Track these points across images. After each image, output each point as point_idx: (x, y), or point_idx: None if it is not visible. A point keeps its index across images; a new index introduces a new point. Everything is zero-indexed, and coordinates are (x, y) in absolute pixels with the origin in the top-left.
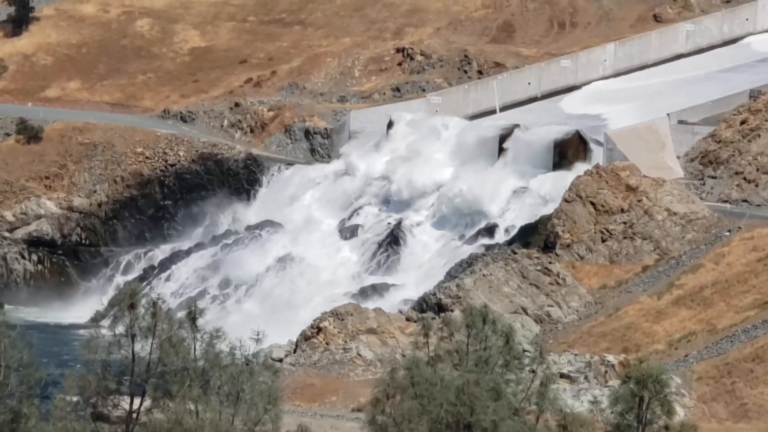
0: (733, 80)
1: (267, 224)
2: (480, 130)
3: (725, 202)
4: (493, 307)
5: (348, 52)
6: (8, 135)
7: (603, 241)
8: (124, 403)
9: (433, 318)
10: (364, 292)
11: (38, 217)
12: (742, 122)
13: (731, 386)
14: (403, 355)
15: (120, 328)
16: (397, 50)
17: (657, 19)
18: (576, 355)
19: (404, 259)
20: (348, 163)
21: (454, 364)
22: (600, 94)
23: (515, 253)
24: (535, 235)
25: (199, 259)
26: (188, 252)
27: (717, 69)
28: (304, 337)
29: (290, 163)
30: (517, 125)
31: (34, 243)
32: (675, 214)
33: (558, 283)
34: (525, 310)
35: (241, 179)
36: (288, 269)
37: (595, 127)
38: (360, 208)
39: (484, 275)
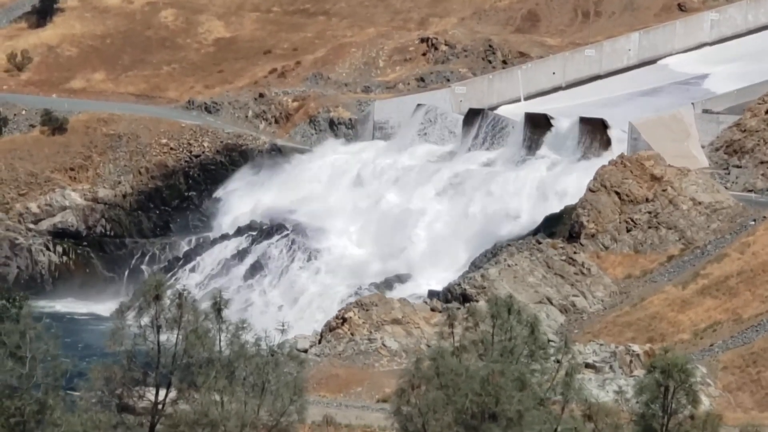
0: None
1: (292, 213)
2: None
3: (750, 191)
4: (518, 297)
5: (372, 42)
6: (33, 126)
7: (628, 230)
8: (150, 394)
9: (458, 308)
10: (389, 283)
11: (63, 208)
12: (767, 111)
13: (757, 375)
14: (428, 346)
15: (145, 320)
16: (422, 40)
17: (681, 8)
18: (601, 344)
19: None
20: None
21: (479, 354)
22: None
23: (540, 243)
24: (560, 225)
25: (224, 249)
26: (213, 243)
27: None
28: (329, 328)
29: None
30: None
31: (59, 235)
32: (700, 203)
33: (583, 273)
34: (550, 300)
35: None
36: (313, 259)
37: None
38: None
39: (509, 265)
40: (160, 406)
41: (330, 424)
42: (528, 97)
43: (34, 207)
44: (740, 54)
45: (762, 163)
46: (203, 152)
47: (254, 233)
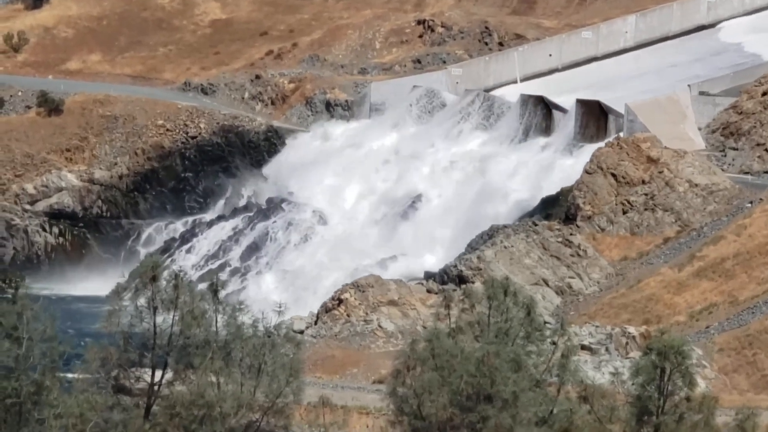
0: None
1: (288, 196)
2: None
3: (747, 173)
4: (514, 278)
5: (369, 24)
6: (29, 108)
7: (624, 212)
8: (146, 375)
9: (454, 290)
10: (385, 264)
11: (59, 189)
12: (764, 93)
13: (752, 357)
14: (424, 327)
15: (142, 301)
16: (418, 22)
17: None
18: (597, 326)
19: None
20: None
21: (475, 335)
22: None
23: (536, 225)
24: (556, 207)
25: (220, 231)
26: (209, 224)
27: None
28: (325, 309)
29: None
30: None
31: (56, 216)
32: (696, 185)
33: (579, 255)
34: (546, 282)
35: (261, 151)
36: (309, 240)
37: None
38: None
39: (505, 247)
40: (156, 388)
41: (326, 405)
42: (524, 79)
43: (30, 188)
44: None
45: (758, 145)
46: (199, 134)
47: (251, 214)
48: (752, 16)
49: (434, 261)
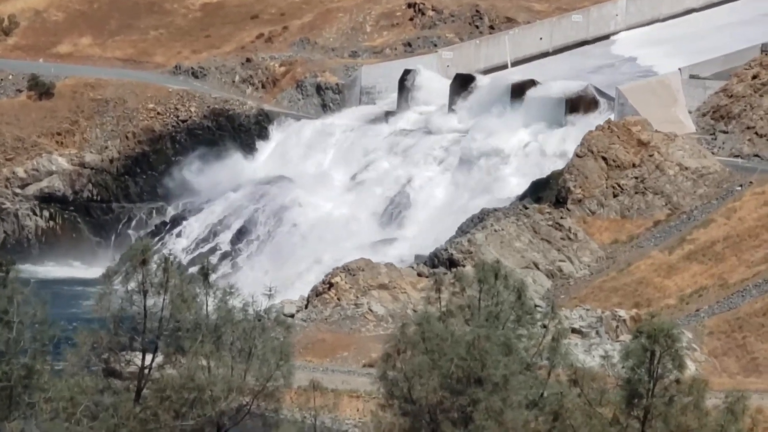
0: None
1: (278, 179)
2: None
3: (737, 156)
4: (505, 262)
5: (359, 7)
6: (20, 91)
7: (614, 196)
8: (137, 359)
9: (445, 273)
10: (376, 247)
11: (50, 173)
12: (754, 77)
13: (742, 341)
14: (415, 311)
15: (132, 284)
16: (409, 5)
17: None
18: (587, 310)
19: (415, 214)
20: None
21: (465, 319)
22: None
23: (527, 209)
24: (547, 190)
25: (210, 214)
26: (199, 208)
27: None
28: (316, 293)
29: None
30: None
31: (46, 199)
32: (686, 168)
33: (569, 238)
34: (536, 265)
35: (252, 135)
36: (299, 224)
37: None
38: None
39: (495, 230)
40: (146, 371)
41: (316, 389)
42: (515, 63)
43: (20, 172)
44: (729, 21)
45: (748, 128)
46: (190, 117)
47: (241, 198)
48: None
49: (425, 245)
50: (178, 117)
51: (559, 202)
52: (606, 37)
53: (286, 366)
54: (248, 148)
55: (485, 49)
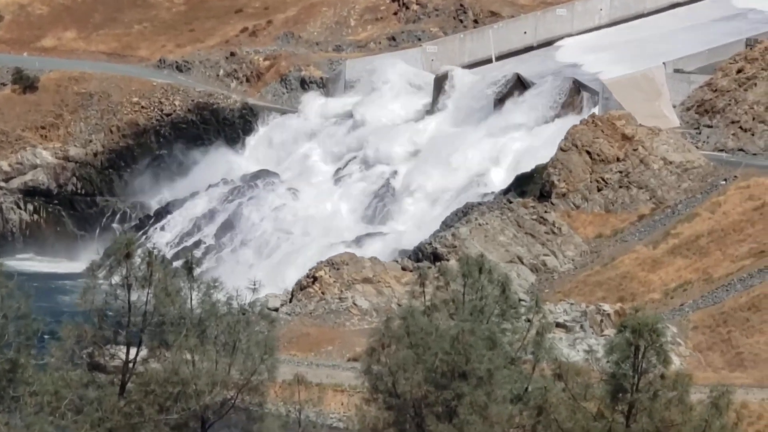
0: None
1: (263, 173)
2: None
3: (721, 151)
4: (489, 256)
5: (344, 1)
6: (4, 85)
7: (599, 190)
8: (121, 353)
9: (429, 267)
10: (360, 241)
11: (34, 166)
12: (739, 71)
13: (727, 335)
14: (399, 305)
15: (116, 278)
16: None
17: None
18: (572, 304)
19: (399, 208)
20: None
21: (450, 313)
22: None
23: (511, 203)
24: (531, 185)
25: (194, 208)
26: (183, 201)
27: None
28: (300, 287)
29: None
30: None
31: (30, 193)
32: (671, 163)
33: (554, 233)
34: (521, 260)
35: (236, 128)
36: (284, 218)
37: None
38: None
39: (480, 224)
40: (131, 365)
41: (301, 382)
42: (499, 57)
43: (5, 165)
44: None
45: (733, 122)
46: (174, 111)
47: (225, 191)
48: None
49: (410, 239)
50: (162, 111)
51: (544, 196)
52: (589, 31)
53: (271, 360)
54: (232, 142)
55: (469, 44)
